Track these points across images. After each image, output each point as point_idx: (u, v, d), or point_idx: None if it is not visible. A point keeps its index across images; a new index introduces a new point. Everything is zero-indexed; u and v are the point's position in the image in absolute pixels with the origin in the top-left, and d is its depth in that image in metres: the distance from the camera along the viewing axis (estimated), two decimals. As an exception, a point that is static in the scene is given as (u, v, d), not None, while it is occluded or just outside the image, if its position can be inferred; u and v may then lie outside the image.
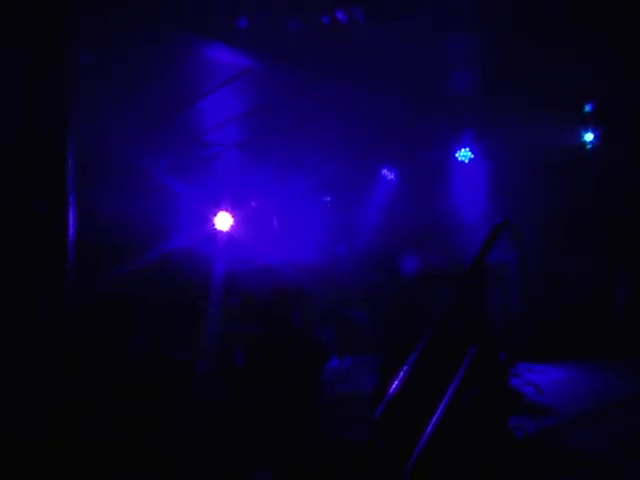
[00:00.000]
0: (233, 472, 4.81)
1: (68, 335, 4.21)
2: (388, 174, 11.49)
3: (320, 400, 7.12)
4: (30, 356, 4.02)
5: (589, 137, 9.34)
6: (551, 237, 9.49)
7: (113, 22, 5.94)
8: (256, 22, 6.29)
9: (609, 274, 9.58)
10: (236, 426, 5.58)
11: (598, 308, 9.37)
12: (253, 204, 10.31)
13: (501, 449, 4.83)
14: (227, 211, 9.80)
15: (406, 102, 8.52)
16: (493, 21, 6.38)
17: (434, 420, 4.21)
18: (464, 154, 10.43)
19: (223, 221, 9.75)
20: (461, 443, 4.58)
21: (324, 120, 9.12)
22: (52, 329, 4.07)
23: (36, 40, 4.13)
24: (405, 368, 4.50)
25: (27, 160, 4.05)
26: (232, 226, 9.85)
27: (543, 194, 9.36)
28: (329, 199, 11.83)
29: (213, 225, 9.70)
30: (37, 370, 4.05)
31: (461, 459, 4.48)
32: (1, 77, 4.18)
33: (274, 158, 10.47)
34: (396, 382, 4.45)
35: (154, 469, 4.58)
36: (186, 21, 6.16)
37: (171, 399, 5.81)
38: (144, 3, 5.80)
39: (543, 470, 4.71)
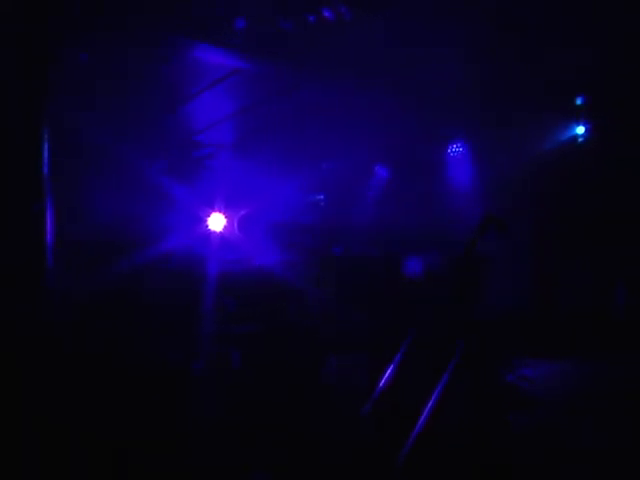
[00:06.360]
0: (231, 475, 4.79)
1: (52, 340, 4.18)
2: (381, 171, 11.46)
3: (317, 398, 7.11)
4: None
5: (580, 130, 9.32)
6: (545, 234, 9.48)
7: (104, 22, 5.93)
8: (244, 23, 6.29)
9: (608, 273, 9.55)
10: (233, 428, 5.56)
11: (596, 308, 9.38)
12: (246, 204, 10.28)
13: (495, 442, 4.83)
14: (220, 212, 9.78)
15: (396, 99, 8.51)
16: (480, 13, 6.38)
17: (424, 415, 4.21)
18: (456, 150, 10.41)
19: (217, 222, 9.71)
20: (451, 437, 4.58)
21: (316, 118, 9.11)
22: (30, 339, 4.02)
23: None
24: (391, 367, 4.50)
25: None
26: (226, 227, 9.82)
27: (535, 189, 9.35)
28: (322, 197, 11.78)
29: (207, 226, 9.67)
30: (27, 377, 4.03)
31: (452, 453, 4.48)
32: None
33: (267, 158, 10.45)
34: (382, 381, 4.46)
35: (151, 471, 4.58)
36: (176, 23, 6.16)
37: (167, 400, 5.79)
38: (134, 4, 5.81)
39: (537, 464, 4.71)
